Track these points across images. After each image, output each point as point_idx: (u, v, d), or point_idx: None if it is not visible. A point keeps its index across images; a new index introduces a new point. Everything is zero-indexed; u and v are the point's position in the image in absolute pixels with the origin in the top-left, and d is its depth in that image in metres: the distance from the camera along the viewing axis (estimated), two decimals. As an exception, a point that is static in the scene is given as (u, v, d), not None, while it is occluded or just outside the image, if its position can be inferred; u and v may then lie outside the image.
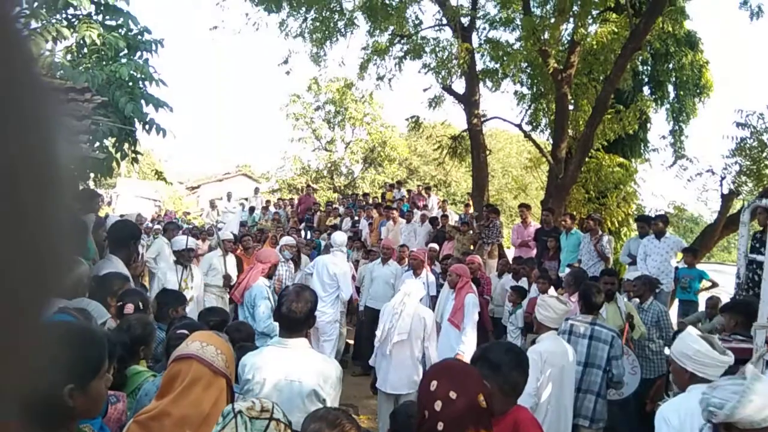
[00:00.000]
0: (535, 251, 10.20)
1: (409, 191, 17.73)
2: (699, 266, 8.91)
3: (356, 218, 15.27)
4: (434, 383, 1.93)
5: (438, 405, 1.88)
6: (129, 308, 3.47)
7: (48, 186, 0.32)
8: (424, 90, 14.61)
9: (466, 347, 6.15)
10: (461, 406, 1.87)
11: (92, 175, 9.11)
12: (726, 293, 8.19)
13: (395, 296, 5.79)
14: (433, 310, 8.19)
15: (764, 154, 11.11)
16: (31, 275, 0.31)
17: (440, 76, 13.19)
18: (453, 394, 1.88)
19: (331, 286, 7.47)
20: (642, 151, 15.19)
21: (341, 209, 16.66)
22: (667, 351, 6.22)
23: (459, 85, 14.03)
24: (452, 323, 6.44)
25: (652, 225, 8.73)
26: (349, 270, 7.76)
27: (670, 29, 12.30)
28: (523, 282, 8.46)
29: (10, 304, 0.30)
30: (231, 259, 8.63)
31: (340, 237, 8.16)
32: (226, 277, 8.16)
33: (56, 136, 0.34)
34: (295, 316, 2.89)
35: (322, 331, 7.47)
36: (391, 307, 5.58)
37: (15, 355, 0.31)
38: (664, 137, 14.91)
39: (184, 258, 7.89)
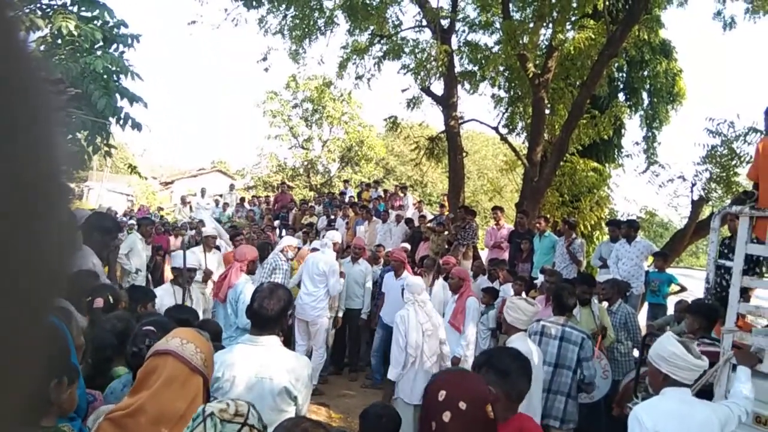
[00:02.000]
0: (507, 253, 10.29)
1: (385, 191, 17.74)
2: (668, 270, 9.07)
3: (332, 217, 15.24)
4: (443, 393, 1.88)
5: (447, 416, 1.83)
6: (98, 302, 3.42)
7: (53, 188, 0.32)
8: (403, 90, 14.64)
9: (468, 350, 6.28)
10: (471, 416, 1.83)
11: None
12: (694, 297, 8.35)
13: (413, 309, 5.66)
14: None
15: (734, 162, 11.34)
16: (40, 277, 0.31)
17: (419, 77, 13.22)
18: (463, 405, 1.84)
19: (321, 281, 7.51)
20: (616, 156, 15.39)
21: (318, 208, 16.60)
22: (635, 353, 6.35)
23: (437, 87, 14.09)
24: (453, 326, 6.49)
25: (622, 229, 8.88)
26: (338, 267, 7.77)
27: (646, 37, 12.50)
28: (497, 284, 8.52)
29: (21, 306, 0.31)
30: (212, 255, 8.55)
31: (335, 236, 8.24)
32: (207, 273, 8.09)
33: (57, 136, 0.34)
34: (267, 314, 2.86)
35: (312, 324, 7.47)
36: (416, 323, 5.55)
37: (24, 355, 0.32)
38: (637, 143, 15.14)
39: (184, 279, 6.65)
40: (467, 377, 2.00)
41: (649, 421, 2.86)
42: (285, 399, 2.71)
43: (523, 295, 6.89)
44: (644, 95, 15.16)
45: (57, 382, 1.74)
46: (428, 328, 5.53)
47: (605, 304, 6.73)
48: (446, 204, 14.20)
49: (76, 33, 7.61)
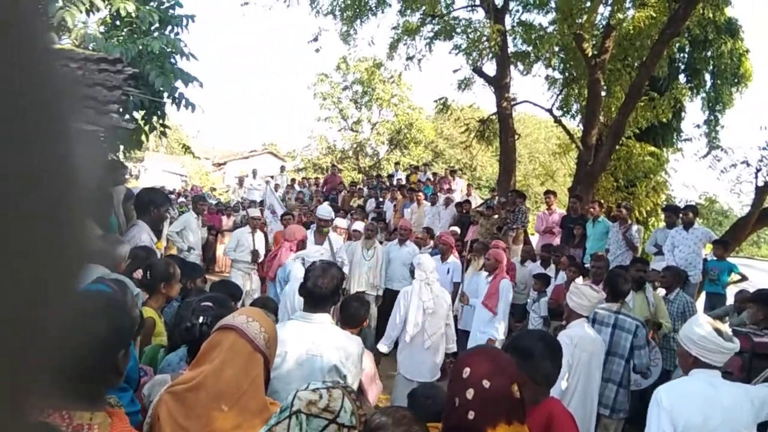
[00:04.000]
0: (558, 238, 10.09)
1: (434, 174, 17.63)
2: (728, 260, 8.73)
3: (380, 199, 15.24)
4: (467, 370, 1.85)
5: (470, 393, 1.80)
6: (137, 274, 3.50)
7: (64, 188, 0.32)
8: (454, 71, 14.47)
9: (499, 332, 6.18)
10: (494, 395, 1.79)
11: (122, 147, 9.21)
12: (756, 288, 8.02)
13: (418, 286, 5.60)
14: (456, 295, 8.22)
15: (803, 146, 10.79)
16: (50, 269, 0.31)
17: (471, 57, 13.02)
18: (486, 383, 1.80)
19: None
20: (674, 140, 14.88)
21: (366, 190, 16.64)
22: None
23: (489, 68, 13.86)
24: (486, 306, 6.41)
25: (682, 215, 8.54)
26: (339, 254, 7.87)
27: (710, 15, 11.98)
28: (550, 270, 8.37)
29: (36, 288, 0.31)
30: (259, 235, 8.69)
31: (340, 222, 8.33)
32: (254, 253, 8.22)
33: (73, 136, 0.33)
34: (320, 292, 2.88)
35: None
36: (418, 300, 5.51)
37: (43, 335, 0.32)
38: (698, 126, 14.60)
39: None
40: (494, 356, 1.95)
41: (667, 402, 2.82)
42: (334, 377, 2.72)
43: (580, 280, 6.77)
44: (707, 76, 14.56)
45: (124, 353, 1.77)
46: (429, 307, 5.47)
47: (661, 291, 6.53)
48: (496, 188, 14.02)
49: (134, 14, 7.78)
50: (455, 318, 7.91)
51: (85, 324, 1.67)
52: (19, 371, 0.30)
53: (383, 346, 5.63)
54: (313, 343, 2.79)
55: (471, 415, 1.78)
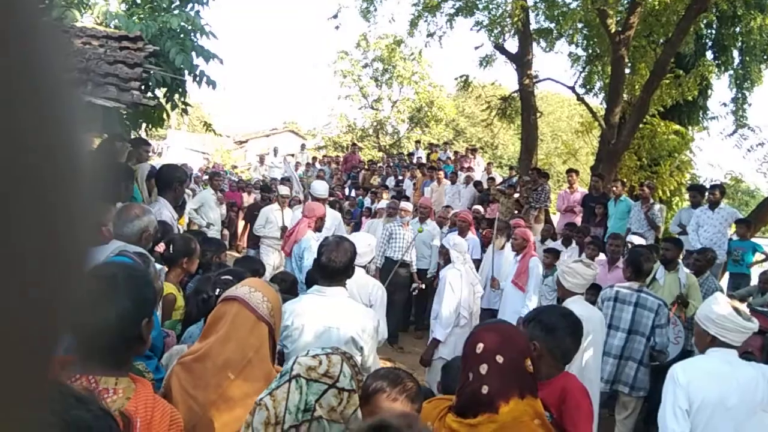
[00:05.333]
0: (580, 217, 10.01)
1: (455, 152, 17.54)
2: (753, 240, 8.59)
3: (400, 178, 15.22)
4: (480, 345, 1.87)
5: (483, 368, 1.82)
6: (159, 248, 3.56)
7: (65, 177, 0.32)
8: (476, 48, 14.37)
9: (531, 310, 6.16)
10: (507, 369, 1.82)
11: (144, 124, 9.30)
12: (781, 268, 7.90)
13: (464, 269, 5.49)
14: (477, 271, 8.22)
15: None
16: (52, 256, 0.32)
17: (493, 34, 12.87)
18: (500, 358, 1.82)
19: None
20: (700, 118, 14.57)
21: (386, 168, 16.63)
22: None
23: (512, 44, 13.68)
24: (516, 285, 6.43)
25: (709, 194, 8.38)
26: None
27: (739, -10, 11.64)
28: (571, 249, 8.29)
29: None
30: (288, 212, 8.76)
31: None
32: (283, 230, 8.29)
33: (72, 123, 0.33)
34: (335, 266, 2.91)
35: None
36: (468, 283, 5.46)
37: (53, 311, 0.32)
38: (725, 104, 14.25)
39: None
40: (507, 331, 1.97)
41: (683, 378, 2.83)
42: (351, 349, 2.75)
43: (601, 257, 6.73)
44: (735, 53, 14.16)
45: (147, 321, 1.81)
46: (479, 290, 5.46)
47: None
48: (517, 166, 13.91)
49: (154, -9, 7.80)
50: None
51: (109, 295, 1.72)
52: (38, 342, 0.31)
53: (441, 333, 5.26)
54: (329, 315, 2.83)
55: (485, 389, 1.81)
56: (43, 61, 0.30)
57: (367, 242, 4.10)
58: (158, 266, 3.29)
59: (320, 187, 7.28)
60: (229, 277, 2.60)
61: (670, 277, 5.92)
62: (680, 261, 6.27)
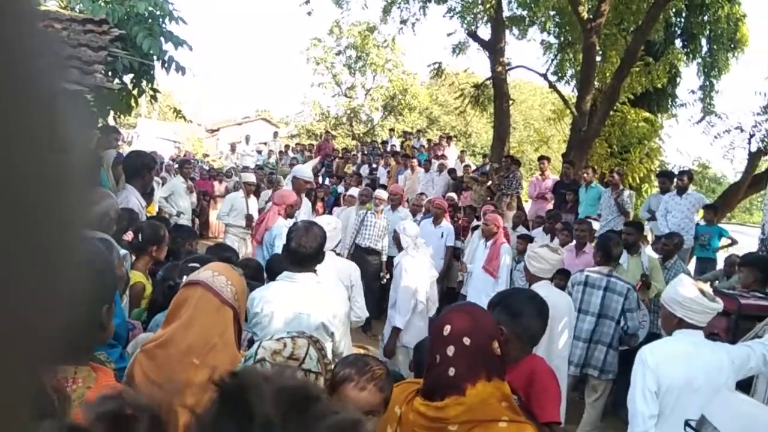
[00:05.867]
0: (551, 204, 10.10)
1: (429, 141, 17.54)
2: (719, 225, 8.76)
3: (374, 166, 15.18)
4: (447, 327, 1.85)
5: (450, 350, 1.80)
6: (127, 236, 3.49)
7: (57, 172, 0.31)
8: (449, 35, 14.31)
9: None
10: (474, 352, 1.80)
11: (112, 112, 9.10)
12: (745, 252, 8.07)
13: (419, 254, 5.36)
14: (455, 259, 8.23)
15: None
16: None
17: (465, 21, 12.86)
18: (467, 340, 1.80)
19: None
20: (669, 105, 14.78)
21: (360, 156, 16.56)
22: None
23: (484, 32, 13.69)
24: (487, 271, 6.44)
25: (677, 180, 8.51)
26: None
27: (708, -21, 11.80)
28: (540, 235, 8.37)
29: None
30: (253, 200, 8.65)
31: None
32: (248, 218, 8.19)
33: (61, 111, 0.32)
34: (305, 252, 2.88)
35: None
36: (429, 274, 5.39)
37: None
38: (693, 92, 14.49)
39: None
40: (474, 313, 1.95)
41: (652, 361, 2.87)
42: (322, 335, 2.73)
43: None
44: (703, 41, 14.38)
45: (108, 308, 1.76)
46: (434, 275, 5.43)
47: (654, 255, 6.54)
48: (489, 154, 13.96)
49: (121, -25, 7.60)
50: (459, 284, 7.93)
51: (69, 280, 1.66)
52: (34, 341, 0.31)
53: (400, 321, 5.18)
54: (299, 301, 2.80)
55: (451, 371, 1.79)
56: (29, 56, 0.29)
57: (332, 226, 4.02)
58: (123, 251, 3.22)
59: (305, 171, 7.14)
60: (196, 264, 2.56)
61: (633, 261, 6.02)
62: (641, 245, 6.37)
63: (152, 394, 1.89)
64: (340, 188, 12.89)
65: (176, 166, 12.90)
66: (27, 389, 0.31)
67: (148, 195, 4.97)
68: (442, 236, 8.00)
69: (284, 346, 1.63)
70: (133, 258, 3.51)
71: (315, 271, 2.96)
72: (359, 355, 1.94)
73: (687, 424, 2.33)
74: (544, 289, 3.95)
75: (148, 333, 2.37)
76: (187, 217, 8.51)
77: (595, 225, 7.30)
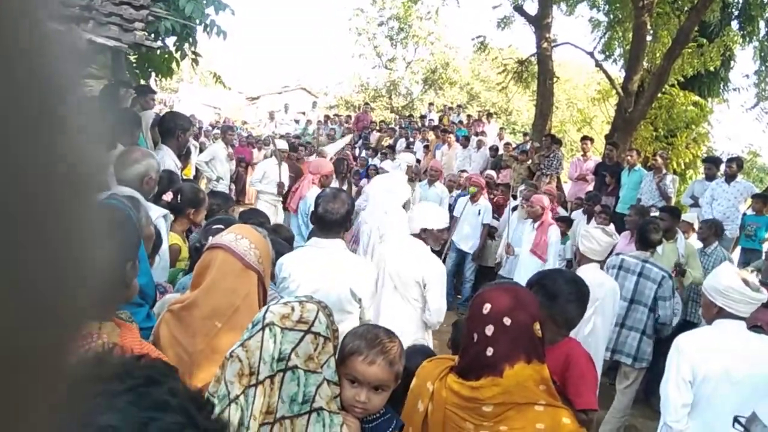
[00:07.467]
0: (592, 186, 9.86)
1: (468, 116, 17.29)
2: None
3: (411, 140, 15.04)
4: (488, 306, 1.79)
5: (489, 329, 1.75)
6: (167, 196, 3.50)
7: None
8: (494, 8, 14.00)
9: None
10: (515, 333, 1.74)
11: (153, 74, 9.16)
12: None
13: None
14: (490, 237, 8.09)
15: None
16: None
17: (512, -6, 12.52)
18: (507, 320, 1.74)
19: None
20: (721, 90, 14.24)
21: (397, 130, 16.42)
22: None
23: (531, 6, 13.35)
24: (535, 254, 6.31)
25: (726, 167, 8.21)
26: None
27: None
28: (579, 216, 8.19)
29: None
30: (285, 167, 8.65)
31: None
32: (280, 185, 8.20)
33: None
34: (332, 217, 2.86)
35: None
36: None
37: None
38: (747, 77, 13.93)
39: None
40: (516, 292, 1.87)
41: (688, 349, 2.79)
42: (350, 300, 2.72)
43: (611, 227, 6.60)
44: (761, 24, 13.74)
45: (131, 264, 1.75)
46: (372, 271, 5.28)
47: (699, 244, 6.34)
48: (530, 132, 13.69)
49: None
50: (498, 265, 7.77)
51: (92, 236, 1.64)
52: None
53: None
54: (326, 267, 2.79)
55: (489, 351, 1.74)
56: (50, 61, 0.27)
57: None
58: (163, 211, 3.22)
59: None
60: (221, 226, 2.54)
61: (668, 247, 5.85)
62: (678, 230, 6.18)
63: (178, 353, 1.89)
64: (375, 161, 12.81)
65: (218, 132, 13.00)
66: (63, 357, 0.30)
67: (184, 157, 4.99)
68: (479, 213, 7.90)
69: (292, 309, 1.57)
70: (172, 218, 3.53)
71: (343, 237, 2.93)
72: (370, 326, 1.87)
73: (736, 420, 2.24)
74: (590, 272, 3.88)
75: (176, 294, 2.36)
76: (225, 183, 8.55)
77: (692, 215, 7.11)
